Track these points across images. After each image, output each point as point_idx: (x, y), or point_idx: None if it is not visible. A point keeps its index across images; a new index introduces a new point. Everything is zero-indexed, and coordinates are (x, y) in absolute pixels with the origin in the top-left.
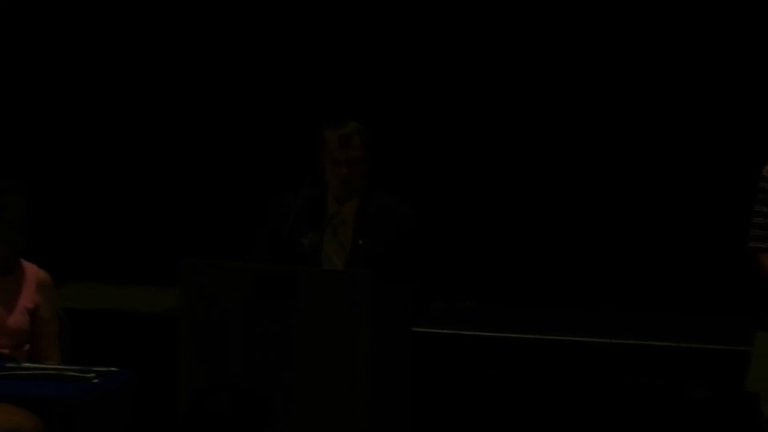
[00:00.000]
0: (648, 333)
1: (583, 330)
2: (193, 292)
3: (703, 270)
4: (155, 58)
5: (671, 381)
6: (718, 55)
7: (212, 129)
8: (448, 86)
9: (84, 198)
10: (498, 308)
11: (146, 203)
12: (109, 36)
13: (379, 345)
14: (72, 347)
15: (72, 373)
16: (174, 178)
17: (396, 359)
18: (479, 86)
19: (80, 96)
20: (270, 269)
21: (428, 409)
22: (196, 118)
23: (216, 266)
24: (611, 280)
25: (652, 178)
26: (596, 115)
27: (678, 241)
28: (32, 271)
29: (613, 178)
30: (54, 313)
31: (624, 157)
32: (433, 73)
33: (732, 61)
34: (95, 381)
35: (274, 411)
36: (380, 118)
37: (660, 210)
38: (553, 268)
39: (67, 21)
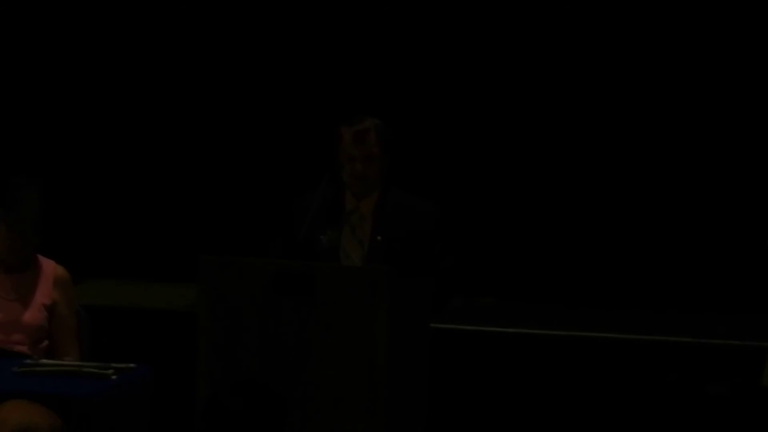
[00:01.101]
0: (668, 330)
1: (603, 326)
2: (211, 289)
3: (722, 267)
4: (178, 56)
5: (691, 378)
6: (723, 48)
7: (233, 126)
8: (468, 82)
9: (103, 195)
10: (517, 304)
11: (165, 200)
12: (126, 31)
13: (397, 341)
14: (91, 344)
15: (90, 370)
16: (194, 175)
17: (414, 356)
18: (499, 83)
19: (101, 92)
20: (288, 266)
21: (446, 405)
22: (217, 115)
23: (234, 263)
24: (631, 278)
25: (673, 176)
26: (617, 112)
27: (698, 239)
28: (49, 267)
29: (635, 175)
30: (72, 309)
31: (645, 154)
32: (452, 69)
33: (736, 54)
34: (114, 377)
35: (292, 408)
36: (401, 115)
37: (680, 208)
38: (574, 264)
39: (90, 13)
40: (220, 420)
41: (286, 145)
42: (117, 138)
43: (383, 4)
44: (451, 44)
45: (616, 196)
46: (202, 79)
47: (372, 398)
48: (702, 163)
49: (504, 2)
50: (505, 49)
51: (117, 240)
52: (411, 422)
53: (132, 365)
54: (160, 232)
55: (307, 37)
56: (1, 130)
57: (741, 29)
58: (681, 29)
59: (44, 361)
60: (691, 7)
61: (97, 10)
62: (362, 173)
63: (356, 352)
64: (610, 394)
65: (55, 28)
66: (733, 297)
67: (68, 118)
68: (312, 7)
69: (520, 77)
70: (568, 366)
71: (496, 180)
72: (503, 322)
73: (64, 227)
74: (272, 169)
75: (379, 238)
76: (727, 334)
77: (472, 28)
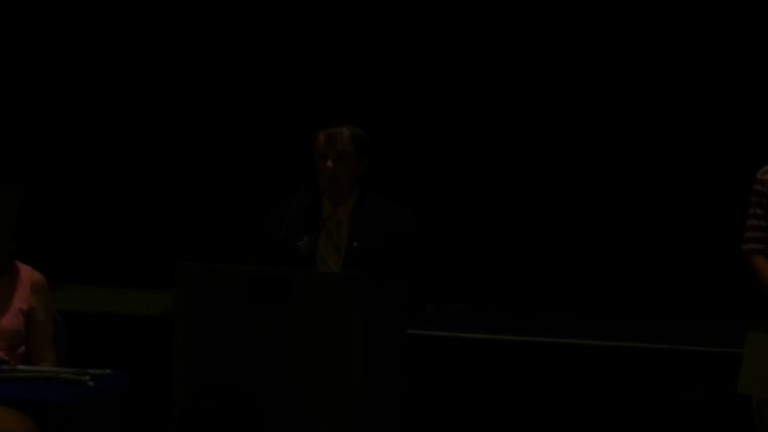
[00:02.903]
0: (643, 336)
1: (577, 333)
2: (187, 294)
3: (698, 273)
4: (155, 62)
5: (666, 384)
6: (718, 66)
7: (210, 132)
8: (447, 90)
9: (80, 201)
10: (493, 311)
11: (142, 206)
12: (110, 41)
13: (373, 347)
14: (67, 349)
15: (67, 376)
16: (170, 181)
17: (391, 362)
18: (478, 89)
19: (78, 98)
20: (264, 272)
21: (423, 411)
22: (193, 121)
23: (211, 269)
24: (606, 284)
25: (648, 183)
26: (593, 120)
27: (672, 244)
28: (26, 273)
29: (609, 182)
30: (49, 315)
31: (619, 162)
32: (432, 78)
33: (731, 71)
34: (90, 384)
35: (267, 413)
36: (379, 122)
37: (654, 214)
38: (549, 271)
39: (65, 27)
40: (196, 425)
41: (263, 151)
42: (94, 145)
43: (359, 12)
44: (429, 51)
45: (593, 204)
46: (181, 86)
47: (348, 404)
48: (676, 171)
49: (478, 12)
50: (486, 58)
51: (93, 246)
52: (388, 427)
53: (108, 371)
54: (137, 237)
55: (286, 46)
56: None
57: (740, 31)
58: (677, 29)
59: (21, 366)
60: (691, 7)
61: (74, 19)
62: (333, 172)
63: (332, 358)
64: (586, 401)
65: (38, 39)
66: (708, 303)
67: (46, 124)
68: (290, 17)
69: (495, 86)
70: (544, 372)
71: (471, 187)
72: (479, 329)
73: (41, 233)
74: (249, 175)
75: (355, 244)
76: (702, 340)
77: (451, 33)
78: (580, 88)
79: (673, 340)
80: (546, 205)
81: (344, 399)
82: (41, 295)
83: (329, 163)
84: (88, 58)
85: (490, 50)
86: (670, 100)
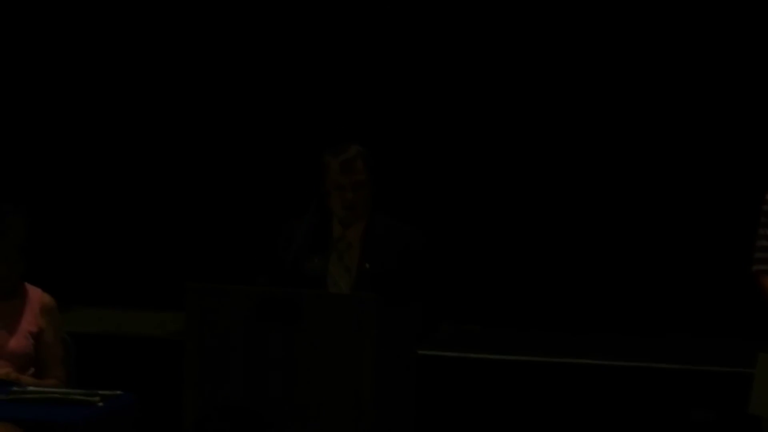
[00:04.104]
0: (653, 356)
1: (588, 353)
2: (197, 316)
3: (708, 292)
4: (163, 81)
5: (676, 404)
6: (733, 87)
7: (219, 154)
8: (455, 106)
9: (90, 222)
10: (503, 331)
11: (152, 228)
12: (131, 65)
13: (384, 368)
14: (77, 371)
15: (77, 397)
16: (180, 202)
17: (401, 383)
18: (487, 104)
19: (89, 118)
20: (274, 293)
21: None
22: (203, 144)
23: (220, 291)
24: (616, 303)
25: (657, 201)
26: (597, 138)
27: (682, 264)
28: (36, 295)
29: (617, 202)
30: (58, 336)
31: (628, 181)
32: (441, 97)
33: (747, 94)
34: (100, 405)
35: None
36: (386, 140)
37: (664, 233)
38: (558, 290)
39: (85, 48)
40: None
41: (272, 173)
42: (103, 167)
43: (358, 28)
44: (433, 70)
45: (603, 222)
46: (188, 106)
47: (359, 425)
48: (685, 190)
49: (486, 22)
50: (491, 77)
51: (104, 267)
52: None
53: (118, 392)
54: (147, 259)
55: (295, 63)
56: None
57: (740, 31)
58: (677, 29)
59: (31, 388)
60: (691, 7)
61: (90, 49)
62: (352, 202)
63: (342, 380)
64: (596, 421)
65: (36, 54)
66: (718, 323)
67: (53, 145)
68: (298, 35)
69: (504, 101)
70: (554, 393)
71: (481, 206)
72: (489, 349)
73: (51, 255)
74: (258, 197)
75: (367, 265)
76: (713, 360)
77: (453, 55)
78: (589, 110)
79: (683, 360)
80: (556, 225)
81: (354, 420)
82: (50, 317)
83: (348, 195)
84: (102, 79)
85: (495, 67)
86: (680, 115)
